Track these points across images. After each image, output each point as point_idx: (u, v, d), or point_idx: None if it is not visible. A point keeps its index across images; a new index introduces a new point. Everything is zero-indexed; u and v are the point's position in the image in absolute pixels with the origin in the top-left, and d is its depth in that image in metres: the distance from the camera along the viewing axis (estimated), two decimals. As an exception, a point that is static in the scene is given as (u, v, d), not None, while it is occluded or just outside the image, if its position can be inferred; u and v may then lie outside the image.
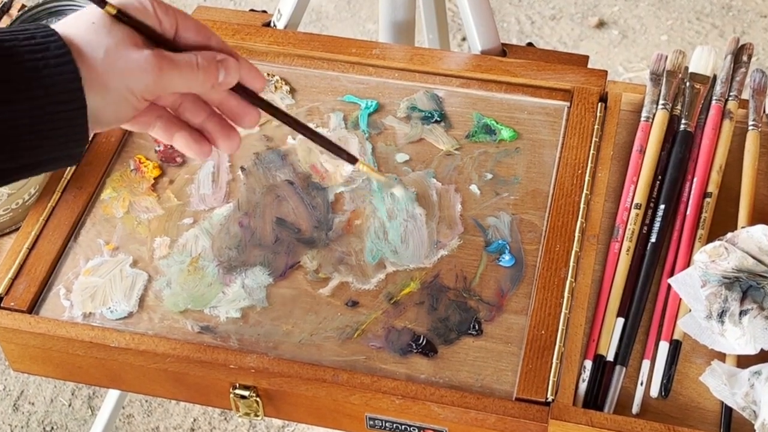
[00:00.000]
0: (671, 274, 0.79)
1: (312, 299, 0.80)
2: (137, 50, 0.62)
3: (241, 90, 0.68)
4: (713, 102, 0.88)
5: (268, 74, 0.93)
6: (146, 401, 1.57)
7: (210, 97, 0.68)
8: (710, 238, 0.79)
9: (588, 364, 0.75)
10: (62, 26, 0.62)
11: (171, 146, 0.88)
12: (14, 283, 0.79)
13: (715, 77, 0.90)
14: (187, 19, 0.66)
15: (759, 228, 0.74)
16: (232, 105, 0.69)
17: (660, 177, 0.84)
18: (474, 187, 0.86)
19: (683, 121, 0.87)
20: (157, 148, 0.89)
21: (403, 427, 0.75)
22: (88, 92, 0.60)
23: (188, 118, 0.69)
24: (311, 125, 0.90)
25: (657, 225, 0.82)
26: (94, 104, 0.61)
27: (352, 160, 0.72)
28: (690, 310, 0.76)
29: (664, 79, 0.89)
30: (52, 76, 0.59)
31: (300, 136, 0.89)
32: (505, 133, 0.89)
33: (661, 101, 0.88)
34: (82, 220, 0.84)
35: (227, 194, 0.86)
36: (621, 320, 0.77)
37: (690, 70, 0.90)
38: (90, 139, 0.62)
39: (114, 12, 0.62)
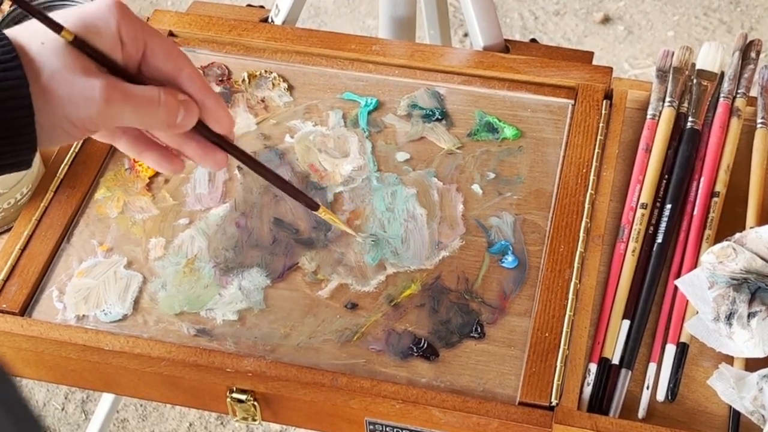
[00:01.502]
0: (678, 275, 0.79)
1: (310, 301, 0.80)
2: (85, 78, 0.59)
3: (206, 131, 0.66)
4: (721, 99, 0.88)
5: (266, 71, 0.93)
6: (141, 405, 1.57)
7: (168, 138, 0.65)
8: (718, 239, 0.79)
9: (593, 367, 0.75)
10: (14, 33, 0.59)
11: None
12: (6, 284, 0.79)
13: (722, 74, 0.90)
14: (158, 44, 0.62)
15: (768, 228, 0.74)
16: (194, 146, 0.66)
17: (666, 176, 0.84)
18: (476, 187, 0.86)
19: (690, 118, 0.87)
20: (152, 147, 0.89)
21: (403, 432, 0.75)
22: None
23: (162, 140, 0.66)
24: (310, 123, 0.90)
25: (663, 225, 0.82)
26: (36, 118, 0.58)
27: (313, 206, 0.72)
28: (697, 312, 0.76)
29: (671, 76, 0.89)
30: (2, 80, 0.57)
31: (297, 135, 0.89)
32: (508, 132, 0.89)
33: (668, 98, 0.88)
34: (76, 221, 0.84)
35: (224, 194, 0.86)
36: (627, 322, 0.77)
37: (697, 67, 0.90)
38: (36, 150, 0.60)
39: (70, 38, 0.59)
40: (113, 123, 0.61)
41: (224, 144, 0.67)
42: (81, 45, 0.59)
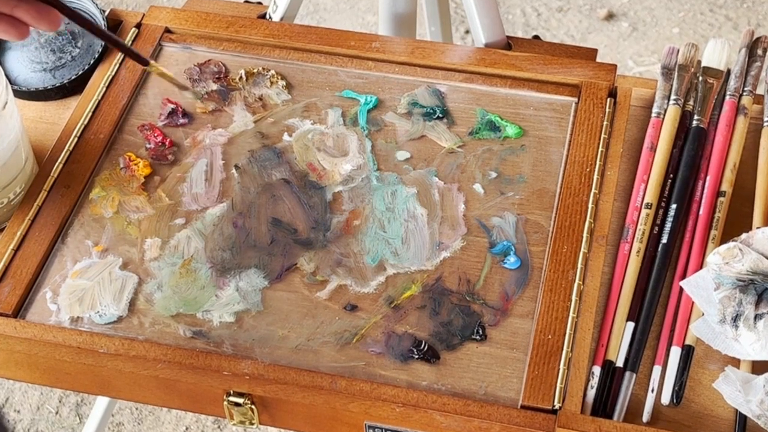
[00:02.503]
0: (683, 276, 0.79)
1: (309, 303, 0.80)
2: None
3: None
4: (727, 97, 0.88)
5: (264, 68, 0.93)
6: (136, 409, 1.57)
7: None
8: (724, 239, 0.79)
9: (597, 370, 0.75)
10: None
11: (162, 143, 0.88)
12: (-1, 286, 0.80)
13: (729, 71, 0.90)
14: None
15: (775, 228, 0.74)
16: (26, 8, 0.68)
17: (671, 175, 0.84)
18: (477, 186, 0.86)
19: (696, 117, 0.87)
20: (148, 146, 0.89)
21: (403, 436, 0.75)
22: None
23: None
24: (308, 122, 0.90)
25: (668, 225, 0.82)
26: None
27: (143, 61, 0.75)
28: (703, 314, 0.76)
29: (676, 74, 0.89)
30: None
31: (296, 134, 0.89)
32: (510, 130, 0.89)
33: (673, 96, 0.88)
34: (70, 221, 0.84)
35: (221, 193, 0.86)
36: (631, 324, 0.77)
37: (703, 64, 0.90)
38: None
39: None
40: None
41: (55, 3, 0.69)
42: None
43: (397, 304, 0.79)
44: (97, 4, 0.95)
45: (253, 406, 0.76)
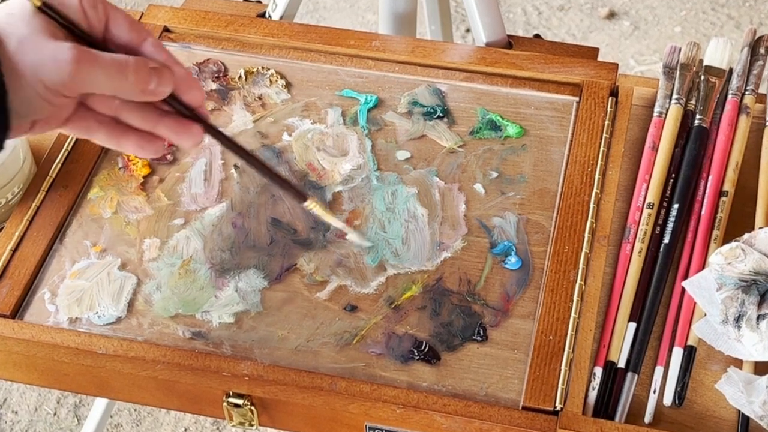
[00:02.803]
0: (685, 276, 0.79)
1: (309, 303, 0.80)
2: (54, 41, 0.60)
3: (177, 103, 0.66)
4: (729, 96, 0.88)
5: (263, 67, 0.93)
6: (135, 410, 1.57)
7: (143, 112, 0.66)
8: (726, 239, 0.79)
9: (598, 371, 0.75)
10: None
11: (161, 143, 0.88)
12: (-3, 286, 0.80)
13: (731, 70, 0.90)
14: (118, 16, 0.64)
15: (777, 228, 0.74)
16: (169, 123, 0.66)
17: (673, 175, 0.84)
18: (478, 186, 0.86)
19: (698, 116, 0.87)
20: (147, 145, 0.89)
21: (404, 437, 0.75)
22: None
23: (135, 124, 0.67)
24: (308, 121, 0.90)
25: (670, 225, 0.82)
26: (8, 95, 0.60)
27: (301, 198, 0.71)
28: (705, 315, 0.76)
29: (678, 73, 0.89)
30: None
31: (295, 133, 0.89)
32: (511, 130, 0.89)
33: (675, 96, 0.88)
34: (68, 221, 0.84)
35: (220, 193, 0.86)
36: (633, 325, 0.77)
37: (705, 63, 0.90)
38: (11, 131, 0.61)
39: (38, 4, 0.61)
40: (85, 87, 0.62)
41: (198, 116, 0.67)
42: (49, 11, 0.61)
43: (398, 304, 0.79)
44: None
45: (252, 408, 0.76)
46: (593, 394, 0.74)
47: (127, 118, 0.66)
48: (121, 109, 0.66)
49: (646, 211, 0.82)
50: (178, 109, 0.66)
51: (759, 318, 0.74)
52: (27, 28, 0.60)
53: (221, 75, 0.93)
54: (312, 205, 0.72)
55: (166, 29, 0.96)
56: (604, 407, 0.74)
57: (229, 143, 0.69)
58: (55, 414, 1.57)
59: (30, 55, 0.60)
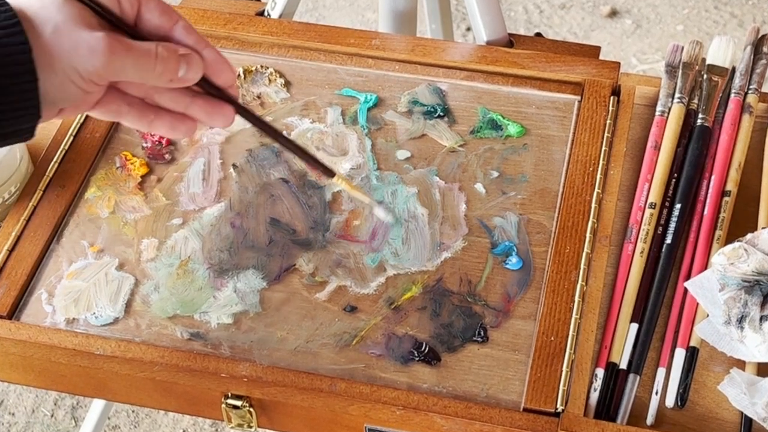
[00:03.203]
0: (687, 277, 0.79)
1: (308, 304, 0.80)
2: (88, 30, 0.61)
3: (208, 85, 0.66)
4: (732, 95, 0.88)
5: (262, 66, 0.93)
6: (133, 411, 1.57)
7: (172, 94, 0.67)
8: (729, 239, 0.79)
9: (600, 372, 0.75)
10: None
11: (159, 142, 0.88)
12: (-7, 287, 0.80)
13: (734, 69, 0.90)
14: (150, 1, 0.65)
15: (780, 229, 0.74)
16: (201, 104, 0.67)
17: (676, 175, 0.84)
18: (479, 186, 0.86)
19: (700, 115, 0.87)
20: (145, 145, 0.89)
21: (404, 439, 0.75)
22: (36, 67, 0.60)
23: (167, 105, 0.67)
24: (307, 120, 0.90)
25: (672, 225, 0.82)
26: (40, 81, 0.61)
27: (329, 173, 0.71)
28: (707, 316, 0.76)
29: (680, 72, 0.89)
30: (2, 47, 0.59)
31: (295, 132, 0.89)
32: (512, 129, 0.89)
33: (677, 95, 0.88)
34: (65, 221, 0.84)
35: (218, 193, 0.86)
36: (635, 326, 0.77)
37: (707, 62, 0.90)
38: (41, 117, 0.62)
39: None
40: (116, 76, 0.63)
41: (229, 97, 0.68)
42: None
43: (398, 305, 0.79)
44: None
45: (251, 409, 0.76)
46: (595, 396, 0.74)
47: (159, 99, 0.67)
48: (152, 91, 0.67)
49: (648, 211, 0.82)
50: (209, 90, 0.67)
51: (762, 319, 0.74)
52: (61, 15, 0.61)
53: (220, 74, 0.93)
54: (339, 181, 0.72)
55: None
56: (606, 409, 0.74)
57: (260, 124, 0.70)
58: (52, 416, 1.57)
59: (64, 43, 0.61)
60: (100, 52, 0.61)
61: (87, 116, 0.89)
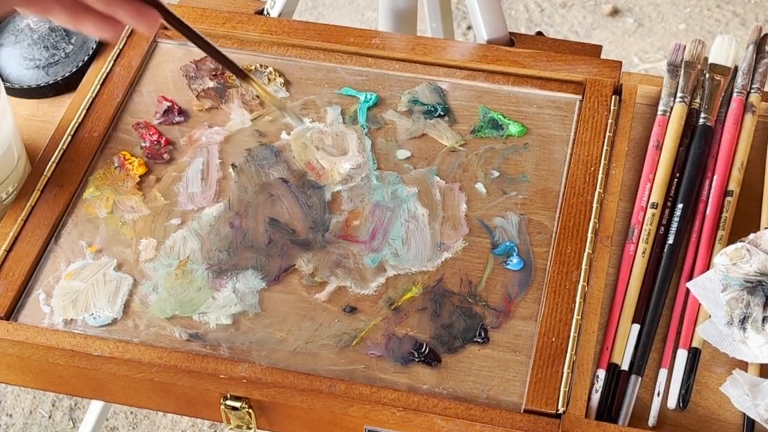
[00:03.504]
0: (690, 277, 0.79)
1: (307, 305, 0.80)
2: None
3: None
4: (734, 95, 0.88)
5: (261, 65, 0.93)
6: (131, 413, 1.57)
7: None
8: (731, 240, 0.79)
9: (601, 373, 0.75)
10: None
11: (158, 142, 0.88)
12: (-9, 287, 0.80)
13: (736, 68, 0.90)
14: None
15: (783, 229, 0.74)
16: (125, 7, 0.68)
17: (678, 174, 0.84)
18: (480, 186, 0.86)
19: (702, 115, 0.87)
20: (143, 144, 0.89)
21: (404, 440, 0.75)
22: None
23: (94, 6, 0.68)
24: (306, 120, 0.90)
25: (674, 225, 0.82)
26: None
27: (241, 75, 0.74)
28: (710, 316, 0.76)
29: (682, 71, 0.89)
30: None
31: (294, 132, 0.89)
32: (513, 128, 0.89)
33: (679, 94, 0.88)
34: (63, 221, 0.84)
35: (217, 193, 0.86)
36: (636, 327, 0.77)
37: (710, 61, 0.90)
38: None
39: None
40: None
41: (155, 2, 0.69)
42: None
43: (398, 305, 0.79)
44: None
45: (250, 410, 0.76)
46: (596, 397, 0.74)
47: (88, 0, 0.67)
48: None
49: (649, 211, 0.82)
50: None
51: (764, 319, 0.74)
52: None
53: (219, 73, 0.93)
54: (253, 84, 0.76)
55: (164, 26, 0.96)
56: (607, 410, 0.74)
57: (185, 30, 0.72)
58: (50, 417, 1.57)
59: None
60: None
61: (86, 115, 0.89)
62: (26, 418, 1.57)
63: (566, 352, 0.75)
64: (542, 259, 0.81)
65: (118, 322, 0.79)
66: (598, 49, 0.95)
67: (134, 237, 0.84)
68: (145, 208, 0.85)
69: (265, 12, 1.02)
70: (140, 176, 0.87)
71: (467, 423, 0.73)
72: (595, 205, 0.82)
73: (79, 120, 0.89)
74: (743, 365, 0.75)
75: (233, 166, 0.87)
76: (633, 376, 0.75)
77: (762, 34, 0.91)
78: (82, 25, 0.68)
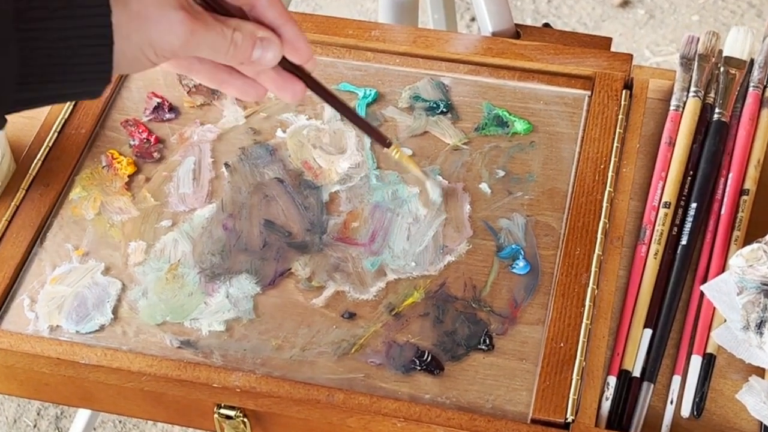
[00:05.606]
0: (704, 280, 0.79)
1: (304, 310, 0.80)
2: (170, 7, 0.62)
3: (282, 60, 0.68)
4: (750, 89, 0.88)
5: (255, 59, 0.93)
6: (120, 422, 1.57)
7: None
8: (747, 240, 0.79)
9: (612, 380, 0.75)
10: None
11: (147, 140, 0.88)
12: (-27, 292, 0.80)
13: (752, 61, 0.90)
14: None
15: (802, 229, 0.74)
16: (272, 75, 0.69)
17: (691, 172, 0.84)
18: (484, 186, 0.86)
19: (717, 110, 0.87)
20: (132, 143, 0.89)
21: (406, 452, 0.75)
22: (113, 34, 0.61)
23: (240, 69, 0.69)
24: (303, 117, 0.90)
25: (688, 226, 0.82)
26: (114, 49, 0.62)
27: (386, 144, 0.75)
28: (725, 321, 0.76)
29: (696, 64, 0.89)
30: (84, 7, 0.60)
31: (290, 130, 0.89)
32: (519, 126, 0.89)
33: (693, 88, 0.88)
34: (49, 222, 0.84)
35: (210, 193, 0.86)
36: (648, 332, 0.77)
37: (724, 54, 0.90)
38: (109, 82, 0.63)
39: None
40: (189, 54, 0.65)
41: (302, 74, 0.70)
42: None
43: (399, 311, 0.79)
44: None
45: (245, 420, 0.76)
46: (606, 405, 0.74)
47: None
48: None
49: (662, 211, 0.82)
50: (283, 65, 0.69)
51: (782, 325, 0.74)
52: None
53: (211, 67, 0.93)
54: (395, 152, 0.76)
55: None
56: (618, 419, 0.74)
57: (332, 100, 0.72)
58: (35, 426, 1.57)
59: (150, 15, 0.62)
60: (181, 32, 0.62)
61: (71, 112, 0.89)
62: (10, 428, 1.57)
63: (575, 358, 0.75)
64: (550, 262, 0.81)
65: (106, 329, 0.79)
66: (607, 41, 0.95)
67: (123, 239, 0.84)
68: (134, 210, 0.85)
69: (259, 4, 1.01)
70: (129, 176, 0.87)
71: (472, 433, 0.73)
72: (605, 204, 0.82)
73: (65, 117, 0.89)
74: (760, 371, 0.75)
75: (226, 165, 0.87)
76: (645, 383, 0.75)
77: (779, 26, 0.92)
78: (225, 88, 0.70)
